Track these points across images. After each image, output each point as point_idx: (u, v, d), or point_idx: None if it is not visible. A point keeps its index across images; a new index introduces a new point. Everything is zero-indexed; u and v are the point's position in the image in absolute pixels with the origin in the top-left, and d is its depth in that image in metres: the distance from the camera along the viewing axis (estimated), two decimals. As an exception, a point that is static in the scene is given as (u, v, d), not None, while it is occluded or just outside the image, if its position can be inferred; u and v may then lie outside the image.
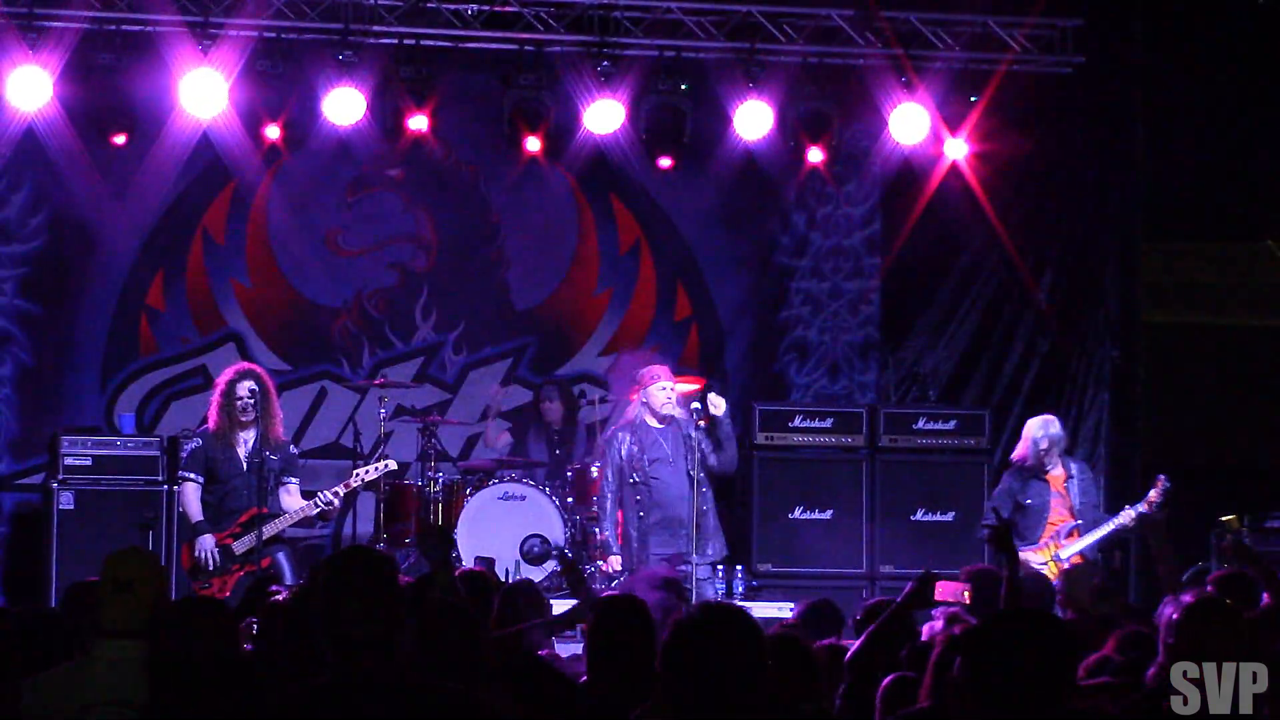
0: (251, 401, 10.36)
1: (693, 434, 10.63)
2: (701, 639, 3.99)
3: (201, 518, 10.40)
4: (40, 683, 5.31)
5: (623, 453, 10.61)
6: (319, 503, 10.52)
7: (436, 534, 6.22)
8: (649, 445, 10.57)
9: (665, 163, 13.51)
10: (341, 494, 10.70)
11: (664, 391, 10.55)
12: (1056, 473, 11.10)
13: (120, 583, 5.40)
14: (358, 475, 10.83)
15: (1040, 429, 11.07)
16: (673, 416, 10.48)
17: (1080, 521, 10.82)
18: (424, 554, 6.57)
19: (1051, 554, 10.77)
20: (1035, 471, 11.03)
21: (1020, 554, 10.50)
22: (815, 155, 13.55)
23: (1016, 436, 14.21)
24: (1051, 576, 10.53)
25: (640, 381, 10.74)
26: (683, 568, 10.52)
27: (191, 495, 10.46)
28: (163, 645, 5.02)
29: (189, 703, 4.95)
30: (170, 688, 4.96)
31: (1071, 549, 10.73)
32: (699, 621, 4.03)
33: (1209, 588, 8.85)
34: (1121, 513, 10.85)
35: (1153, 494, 10.77)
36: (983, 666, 4.06)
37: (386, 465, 10.98)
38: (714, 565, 10.84)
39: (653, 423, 10.59)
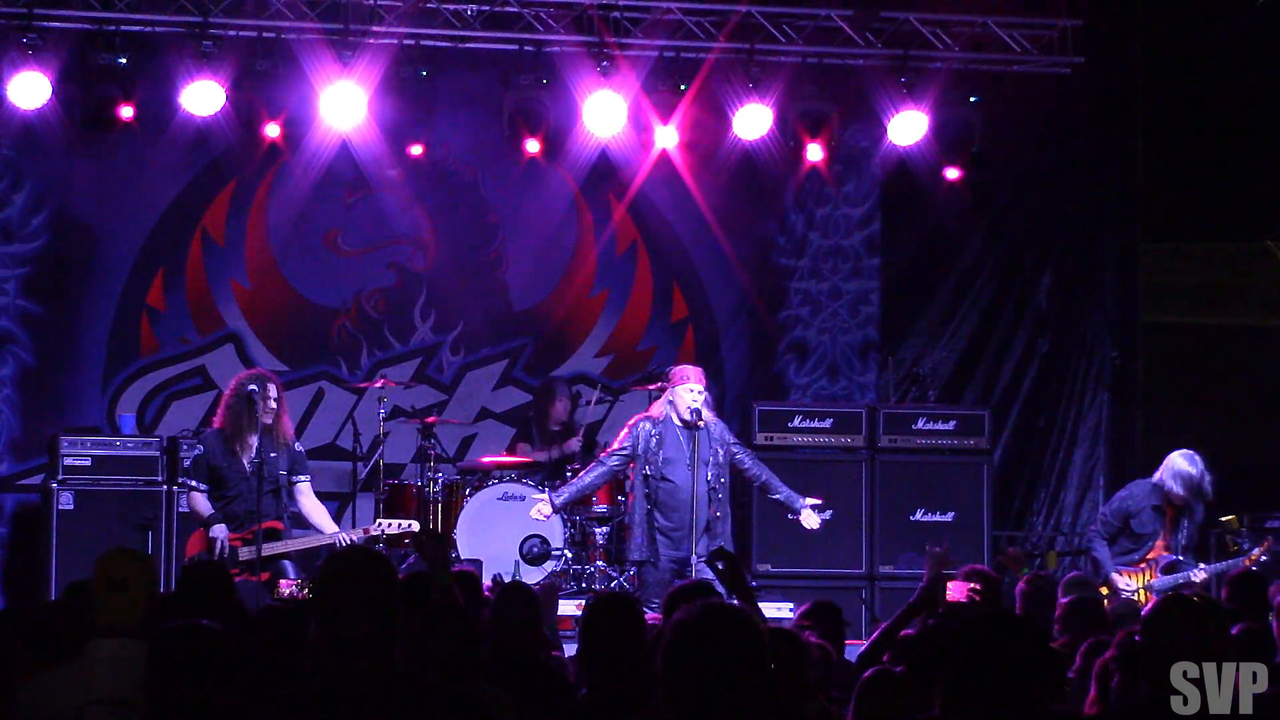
0: (274, 409, 10.32)
1: (726, 436, 10.62)
2: (702, 640, 3.96)
3: (214, 511, 10.35)
4: (37, 682, 5.30)
5: (641, 441, 10.56)
6: (338, 542, 10.42)
7: (435, 537, 6.24)
8: (669, 443, 10.53)
9: (669, 141, 13.36)
10: (359, 540, 10.64)
11: (691, 393, 10.49)
12: (1176, 502, 10.87)
13: (114, 582, 5.39)
14: (380, 525, 10.77)
15: (1195, 466, 10.75)
16: (695, 421, 10.43)
17: (1181, 558, 10.73)
18: (423, 557, 6.57)
19: (1145, 581, 10.72)
20: (1163, 504, 10.80)
21: (1114, 580, 10.51)
22: (814, 155, 13.55)
23: (1016, 437, 14.28)
24: (1141, 603, 10.51)
25: (670, 380, 10.71)
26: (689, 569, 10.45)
27: (199, 499, 10.41)
28: (159, 675, 4.96)
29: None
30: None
31: (1167, 582, 10.63)
32: (699, 622, 4.00)
33: (1224, 589, 8.83)
34: (1223, 564, 10.73)
35: (1255, 552, 10.73)
36: (955, 668, 4.06)
37: (410, 525, 10.91)
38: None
39: (677, 422, 10.56)
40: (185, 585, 6.63)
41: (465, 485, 12.70)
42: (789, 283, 14.55)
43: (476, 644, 5.33)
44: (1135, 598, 10.54)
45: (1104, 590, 10.70)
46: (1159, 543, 10.77)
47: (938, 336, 14.53)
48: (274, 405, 10.31)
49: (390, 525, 10.74)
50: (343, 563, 4.19)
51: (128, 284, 13.68)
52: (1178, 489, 10.67)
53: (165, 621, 5.26)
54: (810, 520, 10.77)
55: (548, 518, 11.13)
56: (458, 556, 12.16)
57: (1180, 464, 10.72)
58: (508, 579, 11.34)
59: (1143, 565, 10.75)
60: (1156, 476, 10.83)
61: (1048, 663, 4.14)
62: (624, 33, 13.09)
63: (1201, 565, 10.73)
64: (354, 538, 10.50)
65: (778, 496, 10.85)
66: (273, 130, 12.88)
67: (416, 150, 13.34)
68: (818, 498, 10.98)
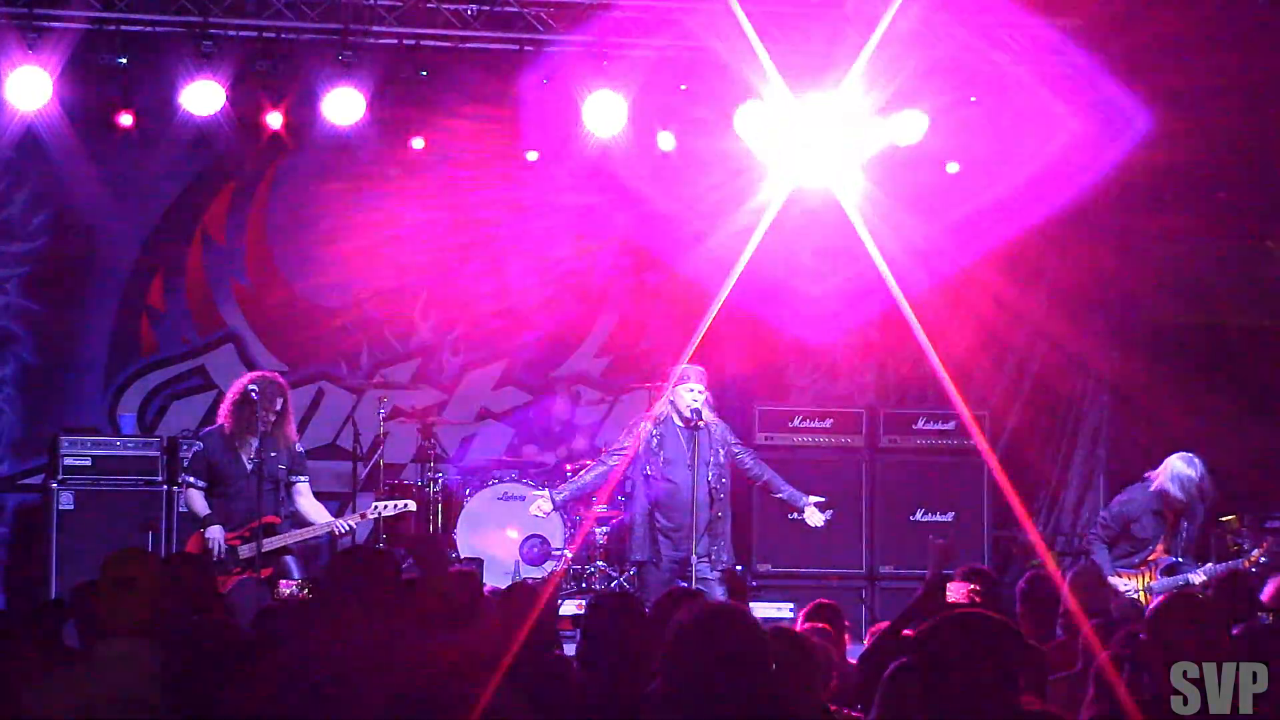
0: (272, 420, 10.30)
1: (728, 436, 10.61)
2: (703, 639, 3.96)
3: (210, 512, 10.35)
4: (44, 682, 5.31)
5: (642, 442, 10.56)
6: (335, 529, 10.44)
7: (428, 540, 6.28)
8: (669, 443, 10.52)
9: (668, 143, 13.43)
10: (356, 524, 10.64)
11: (691, 393, 10.49)
12: (1175, 506, 10.85)
13: (120, 582, 5.40)
14: (376, 509, 10.78)
15: (1195, 470, 10.74)
16: (695, 421, 10.42)
17: (1181, 560, 10.73)
18: (417, 561, 6.58)
19: (1145, 584, 10.73)
20: (1162, 509, 10.80)
21: (1110, 577, 10.54)
22: (814, 154, 13.55)
23: (1016, 437, 14.28)
24: (1143, 604, 10.55)
25: (671, 381, 10.70)
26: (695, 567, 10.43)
27: (197, 497, 10.41)
28: (175, 667, 4.98)
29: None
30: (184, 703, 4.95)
31: (1167, 584, 10.64)
32: (701, 622, 4.00)
33: (1209, 590, 8.82)
34: (1224, 565, 10.73)
35: (1255, 553, 10.71)
36: (927, 666, 4.07)
37: (407, 505, 10.92)
38: (724, 572, 10.75)
39: (678, 423, 10.55)
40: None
41: (465, 485, 12.71)
42: (789, 282, 14.54)
43: (476, 643, 5.34)
44: (1136, 599, 10.56)
45: None
46: (1160, 546, 10.77)
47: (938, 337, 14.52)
48: (273, 419, 10.29)
49: (386, 507, 10.76)
50: (346, 563, 4.20)
51: (128, 284, 13.69)
52: (1177, 493, 10.66)
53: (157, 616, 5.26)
54: (814, 518, 10.78)
55: (547, 514, 11.12)
56: (457, 557, 12.18)
57: (1180, 467, 10.72)
58: (509, 579, 11.37)
59: (1142, 567, 10.75)
60: (1156, 481, 10.82)
61: (1023, 661, 4.15)
62: (624, 32, 13.09)
63: (1201, 567, 10.73)
64: (351, 524, 10.52)
65: (780, 495, 10.86)
66: (275, 120, 12.82)
67: (417, 149, 13.35)
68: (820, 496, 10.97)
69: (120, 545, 11.41)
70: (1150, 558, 10.72)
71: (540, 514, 10.99)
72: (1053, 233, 14.52)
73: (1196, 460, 10.72)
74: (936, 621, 4.17)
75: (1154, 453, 12.39)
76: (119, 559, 5.54)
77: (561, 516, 12.28)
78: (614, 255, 14.44)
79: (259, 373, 10.84)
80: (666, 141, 13.40)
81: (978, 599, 6.63)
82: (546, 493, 10.99)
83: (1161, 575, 10.64)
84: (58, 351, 13.56)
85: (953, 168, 13.59)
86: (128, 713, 5.14)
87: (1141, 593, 10.63)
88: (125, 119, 12.65)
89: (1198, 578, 10.60)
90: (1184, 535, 10.76)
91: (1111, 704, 5.61)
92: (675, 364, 11.37)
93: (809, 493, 10.95)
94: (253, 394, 10.25)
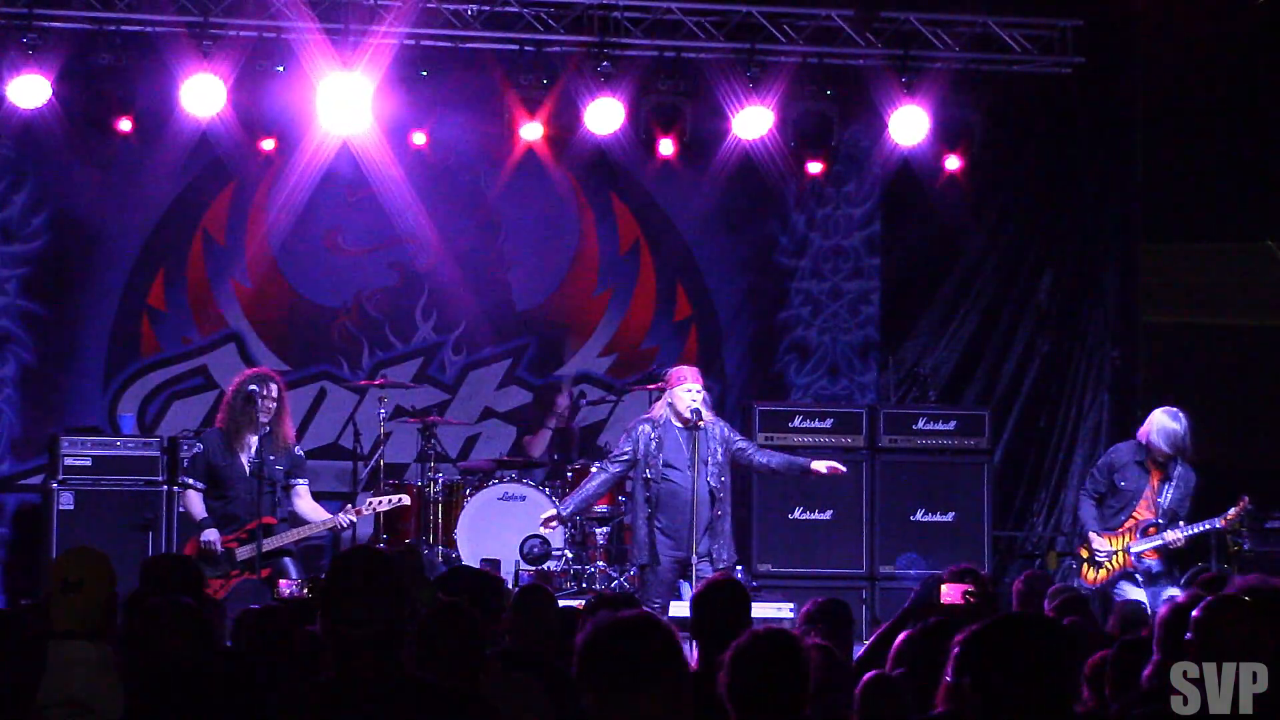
0: (273, 407, 10.30)
1: (727, 434, 10.59)
2: (612, 646, 3.94)
3: (206, 515, 10.34)
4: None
5: (641, 445, 10.53)
6: (337, 524, 10.44)
7: (409, 554, 6.27)
8: (668, 445, 10.49)
9: (668, 149, 13.42)
10: (353, 520, 10.62)
11: (690, 394, 10.46)
12: (1157, 457, 10.88)
13: (69, 584, 5.36)
14: (370, 504, 10.77)
15: (1179, 423, 10.78)
16: (696, 421, 10.39)
17: (1160, 521, 10.76)
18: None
19: (1124, 545, 10.76)
20: (1146, 460, 10.83)
21: (1092, 539, 10.63)
22: (814, 158, 13.57)
23: (1017, 437, 14.30)
24: (1117, 566, 10.64)
25: (668, 381, 10.67)
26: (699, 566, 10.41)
27: (195, 499, 10.40)
28: (134, 649, 4.98)
29: (163, 706, 4.93)
30: (144, 691, 4.94)
31: (1144, 545, 10.70)
32: (609, 629, 3.99)
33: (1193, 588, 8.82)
34: (1200, 525, 10.77)
35: (1232, 512, 10.75)
36: (986, 670, 4.06)
37: (400, 499, 10.92)
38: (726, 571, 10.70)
39: (676, 424, 10.52)
40: (147, 582, 6.56)
41: (466, 485, 12.71)
42: (790, 283, 14.56)
43: (482, 643, 5.33)
44: (1114, 560, 10.63)
45: (1083, 552, 10.83)
46: (1143, 502, 10.80)
47: (938, 336, 14.54)
48: (273, 405, 10.30)
49: (381, 503, 10.76)
50: (347, 564, 4.19)
51: (128, 284, 13.69)
52: (1160, 443, 10.72)
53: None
54: (823, 466, 10.73)
55: (554, 528, 11.11)
56: (457, 557, 12.18)
57: (1163, 420, 10.79)
58: (510, 579, 11.36)
59: (1123, 530, 10.80)
60: (1140, 432, 10.90)
61: (1079, 666, 4.15)
62: (624, 33, 13.10)
63: (1179, 525, 10.75)
64: (351, 518, 10.50)
65: (793, 471, 10.85)
66: (268, 144, 12.98)
67: (418, 149, 13.35)
68: (817, 498, 10.96)
69: (120, 545, 11.46)
70: (1135, 514, 10.76)
71: (549, 529, 10.99)
72: (1054, 231, 14.55)
73: (1181, 415, 10.78)
74: (990, 625, 4.15)
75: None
76: (67, 560, 5.50)
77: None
78: (617, 254, 14.44)
79: (252, 370, 10.86)
80: (668, 140, 13.39)
81: (972, 600, 6.61)
82: (555, 509, 10.94)
83: (1140, 536, 10.69)
84: (58, 351, 13.55)
85: (953, 163, 13.54)
86: (78, 715, 5.10)
87: (1120, 553, 10.70)
88: (124, 124, 12.67)
89: (1174, 536, 10.64)
90: (1168, 494, 10.78)
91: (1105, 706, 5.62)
92: (677, 364, 11.38)
93: (809, 494, 10.96)
94: (249, 391, 10.26)
